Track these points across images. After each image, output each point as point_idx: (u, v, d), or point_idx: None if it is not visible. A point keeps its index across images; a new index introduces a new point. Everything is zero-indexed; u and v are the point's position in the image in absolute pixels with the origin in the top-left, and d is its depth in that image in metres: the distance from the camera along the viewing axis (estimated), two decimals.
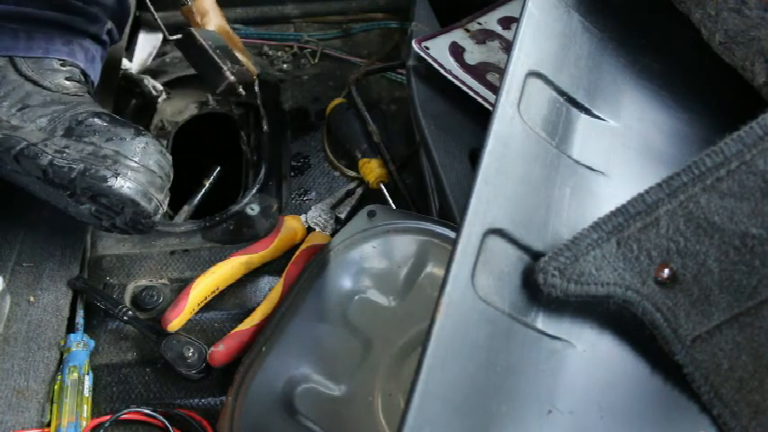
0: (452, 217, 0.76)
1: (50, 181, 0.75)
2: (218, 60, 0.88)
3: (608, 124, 0.64)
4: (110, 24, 0.89)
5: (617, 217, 0.51)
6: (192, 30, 0.89)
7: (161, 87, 1.10)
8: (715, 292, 0.49)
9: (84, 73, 0.86)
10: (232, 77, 0.88)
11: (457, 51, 0.91)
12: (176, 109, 1.10)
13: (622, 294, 0.50)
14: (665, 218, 0.49)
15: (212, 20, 0.96)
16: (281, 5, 1.21)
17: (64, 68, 0.83)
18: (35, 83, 0.80)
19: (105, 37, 0.90)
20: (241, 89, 0.90)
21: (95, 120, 0.77)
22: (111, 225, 0.78)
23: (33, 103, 0.78)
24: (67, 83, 0.82)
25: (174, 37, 0.91)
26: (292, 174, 0.98)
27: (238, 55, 0.95)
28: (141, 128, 0.79)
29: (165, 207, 0.78)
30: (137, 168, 0.74)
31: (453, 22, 0.96)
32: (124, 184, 0.73)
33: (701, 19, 0.66)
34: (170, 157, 0.79)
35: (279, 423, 0.69)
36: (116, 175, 0.73)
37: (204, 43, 0.88)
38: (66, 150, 0.74)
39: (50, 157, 0.74)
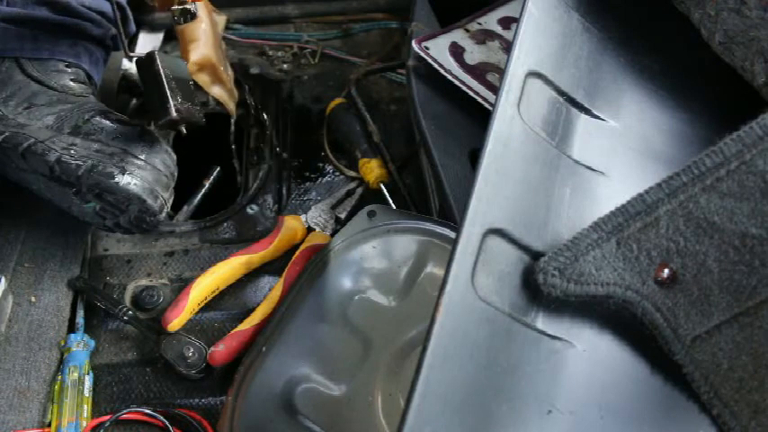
0: (452, 217, 0.76)
1: (57, 178, 0.75)
2: (168, 92, 0.77)
3: (608, 124, 0.64)
4: (114, 30, 0.90)
5: (617, 217, 0.51)
6: (155, 53, 0.80)
7: None
8: (715, 292, 0.49)
9: (88, 74, 0.86)
10: (174, 115, 0.76)
11: (457, 51, 0.91)
12: None
13: (622, 294, 0.50)
14: (664, 218, 0.50)
15: (198, 49, 0.89)
16: (281, 5, 1.20)
17: (69, 70, 0.84)
18: (41, 83, 0.81)
19: (109, 42, 0.91)
20: (183, 128, 0.80)
21: (102, 118, 0.78)
22: (115, 224, 0.78)
23: (39, 102, 0.78)
24: (72, 84, 0.83)
25: (135, 55, 0.83)
26: (292, 174, 0.98)
27: (217, 89, 0.91)
28: (147, 126, 0.79)
29: (170, 206, 0.78)
30: (143, 166, 0.74)
31: (453, 22, 0.96)
32: (131, 181, 0.73)
33: (701, 19, 0.66)
34: (175, 156, 0.80)
35: (279, 423, 0.69)
36: (123, 172, 0.73)
37: (161, 70, 0.78)
38: (74, 147, 0.74)
39: (58, 153, 0.74)
